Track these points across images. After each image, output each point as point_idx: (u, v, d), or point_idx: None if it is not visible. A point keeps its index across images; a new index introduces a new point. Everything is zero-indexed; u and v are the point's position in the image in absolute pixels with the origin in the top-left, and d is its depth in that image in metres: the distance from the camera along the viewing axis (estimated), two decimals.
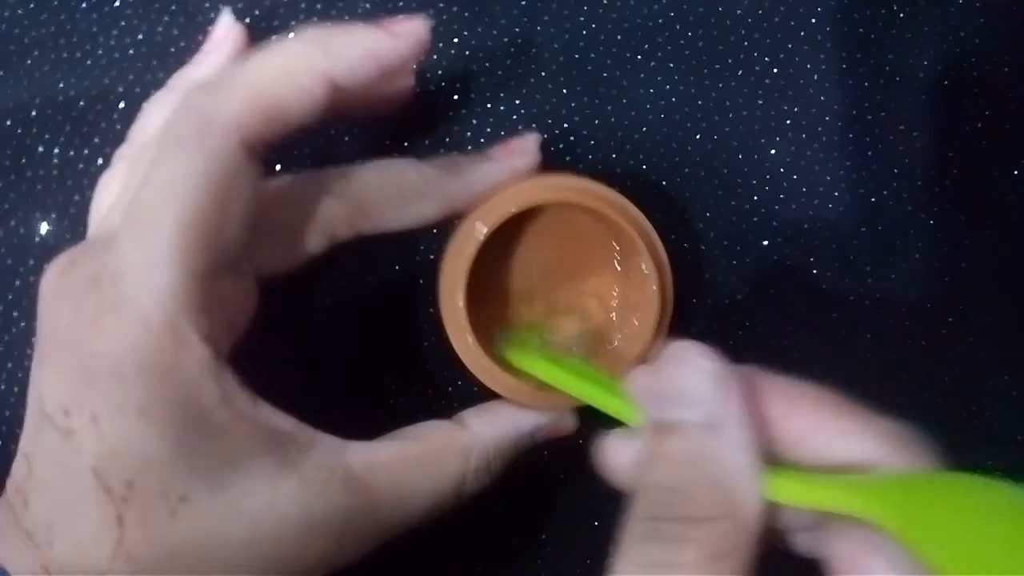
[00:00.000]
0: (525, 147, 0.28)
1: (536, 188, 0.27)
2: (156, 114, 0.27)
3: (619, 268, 0.29)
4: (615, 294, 0.29)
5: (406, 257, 0.31)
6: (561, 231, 0.29)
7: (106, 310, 0.21)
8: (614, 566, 0.19)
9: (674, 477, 0.20)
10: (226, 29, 0.29)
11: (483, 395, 0.28)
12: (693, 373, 0.21)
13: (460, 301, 0.26)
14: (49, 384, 0.22)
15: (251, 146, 0.22)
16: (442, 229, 0.28)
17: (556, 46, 0.32)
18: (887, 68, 0.33)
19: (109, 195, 0.26)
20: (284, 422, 0.23)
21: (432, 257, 0.29)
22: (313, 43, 0.23)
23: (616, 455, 0.23)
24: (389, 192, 0.26)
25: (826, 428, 0.20)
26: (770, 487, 0.20)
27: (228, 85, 0.23)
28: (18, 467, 0.22)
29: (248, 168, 0.22)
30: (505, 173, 0.27)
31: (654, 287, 0.27)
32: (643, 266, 0.27)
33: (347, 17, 0.32)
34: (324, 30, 0.24)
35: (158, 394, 0.21)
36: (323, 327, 0.31)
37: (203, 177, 0.21)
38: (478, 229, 0.26)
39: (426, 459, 0.25)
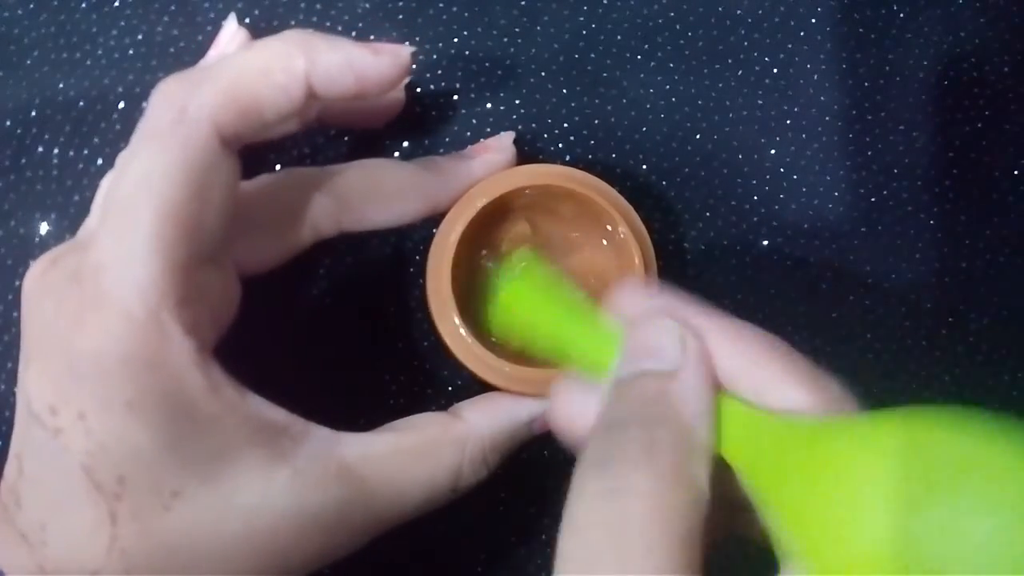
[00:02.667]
0: (501, 144, 0.29)
1: (506, 177, 0.28)
2: None
3: (604, 243, 0.29)
4: (600, 268, 0.30)
5: (402, 256, 0.31)
6: (542, 217, 0.29)
7: (87, 306, 0.21)
8: (567, 501, 0.19)
9: (631, 413, 0.20)
10: (231, 34, 0.30)
11: (479, 390, 0.28)
12: (657, 331, 0.22)
13: (446, 290, 0.27)
14: (34, 383, 0.22)
15: (226, 139, 0.22)
16: (439, 227, 0.29)
17: (556, 46, 0.32)
18: (887, 68, 0.33)
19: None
20: (275, 413, 0.23)
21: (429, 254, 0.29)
22: (294, 44, 0.23)
23: (571, 405, 0.23)
24: (370, 189, 0.26)
25: (762, 372, 0.21)
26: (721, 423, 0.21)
27: (204, 77, 0.22)
28: (10, 467, 0.22)
29: (224, 159, 0.22)
30: (482, 169, 0.28)
31: (635, 257, 0.27)
32: (620, 232, 0.27)
33: (346, 17, 0.32)
34: (307, 33, 0.24)
35: (144, 387, 0.21)
36: (320, 326, 0.31)
37: (178, 167, 0.21)
38: (455, 222, 0.27)
39: (421, 450, 0.24)
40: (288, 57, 0.23)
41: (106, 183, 0.27)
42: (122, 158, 0.27)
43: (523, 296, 0.26)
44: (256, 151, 0.25)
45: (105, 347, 0.21)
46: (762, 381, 0.21)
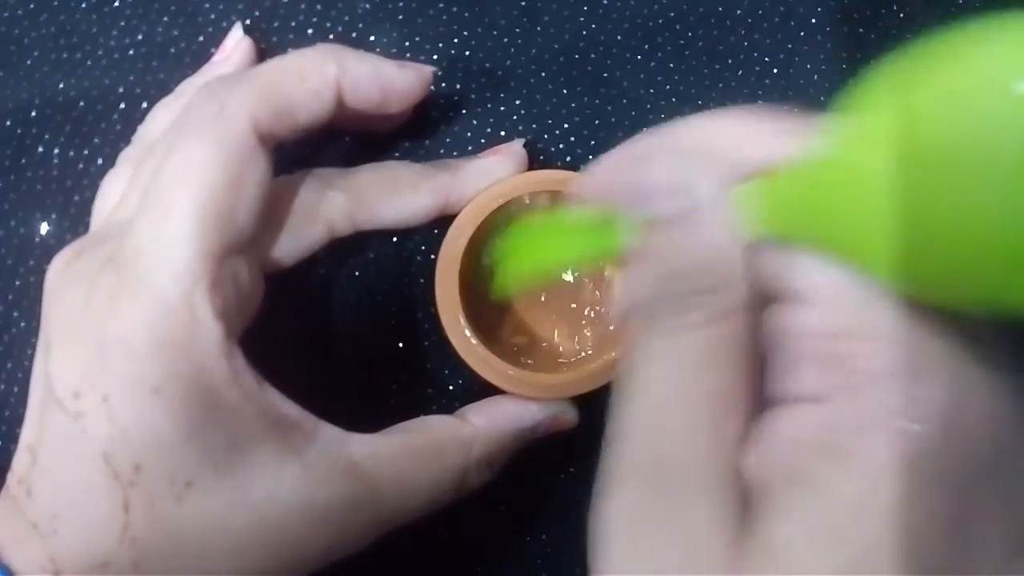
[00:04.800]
0: (511, 149, 0.30)
1: (519, 181, 0.28)
2: (163, 118, 0.28)
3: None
4: (606, 277, 0.30)
5: (407, 258, 0.31)
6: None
7: (122, 290, 0.22)
8: (625, 343, 0.19)
9: (666, 267, 0.19)
10: (236, 41, 0.30)
11: (483, 392, 0.28)
12: (659, 164, 0.20)
13: (454, 293, 0.27)
14: (59, 367, 0.22)
15: (261, 136, 0.23)
16: (442, 230, 0.29)
17: (556, 46, 0.32)
18: None
19: (113, 194, 0.26)
20: (289, 408, 0.23)
21: (432, 257, 0.29)
22: (327, 53, 0.25)
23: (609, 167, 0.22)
24: (384, 186, 0.27)
25: (745, 141, 0.19)
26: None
27: (244, 78, 0.24)
28: (20, 460, 0.22)
29: (259, 155, 0.23)
30: (493, 168, 0.28)
31: None
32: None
33: (347, 17, 0.32)
34: (338, 46, 0.25)
35: (171, 372, 0.21)
36: (321, 325, 0.31)
37: (217, 158, 0.22)
38: (465, 222, 0.28)
39: (428, 452, 0.25)
40: (321, 64, 0.25)
41: (107, 183, 0.27)
42: (124, 157, 0.28)
43: (521, 239, 0.27)
44: None
45: (137, 330, 0.21)
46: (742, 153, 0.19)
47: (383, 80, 0.25)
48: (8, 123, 0.31)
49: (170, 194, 0.22)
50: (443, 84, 0.32)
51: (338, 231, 0.27)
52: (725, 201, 0.19)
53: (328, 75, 0.24)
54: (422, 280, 0.31)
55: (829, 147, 0.17)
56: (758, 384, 0.19)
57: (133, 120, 0.31)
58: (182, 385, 0.21)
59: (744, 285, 0.19)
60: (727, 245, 0.19)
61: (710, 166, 0.19)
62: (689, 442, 0.18)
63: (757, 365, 0.19)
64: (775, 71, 0.32)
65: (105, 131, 0.31)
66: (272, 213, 0.25)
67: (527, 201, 0.28)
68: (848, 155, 0.17)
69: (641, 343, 0.19)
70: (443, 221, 0.28)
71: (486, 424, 0.26)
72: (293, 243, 0.26)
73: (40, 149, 0.31)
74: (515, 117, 0.32)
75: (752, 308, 0.19)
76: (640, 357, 0.19)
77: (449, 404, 0.30)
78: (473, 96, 0.32)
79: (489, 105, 0.32)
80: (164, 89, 0.31)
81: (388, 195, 0.27)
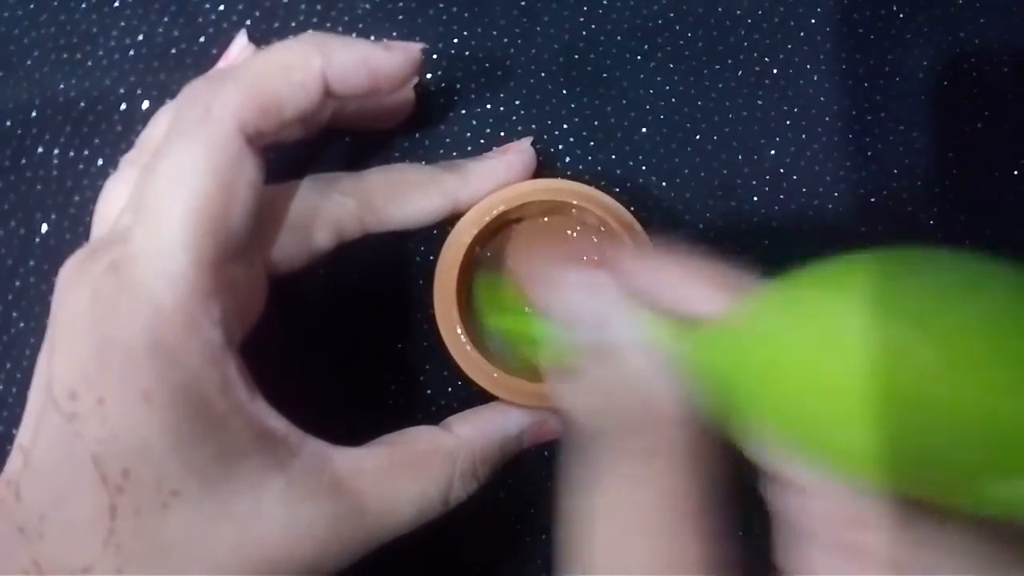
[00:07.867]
0: (520, 147, 0.29)
1: (523, 189, 0.28)
2: (165, 122, 0.28)
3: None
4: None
5: (405, 259, 0.31)
6: (554, 234, 0.30)
7: (122, 294, 0.22)
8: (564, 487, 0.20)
9: (596, 395, 0.21)
10: (240, 49, 0.30)
11: (480, 396, 0.28)
12: (578, 294, 0.22)
13: (451, 296, 0.27)
14: (60, 367, 0.22)
15: (249, 136, 0.23)
16: (442, 231, 0.29)
17: (556, 46, 0.32)
18: (887, 68, 0.33)
19: (118, 199, 0.26)
20: (276, 422, 0.23)
21: (432, 258, 0.29)
22: (310, 44, 0.24)
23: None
24: (391, 188, 0.27)
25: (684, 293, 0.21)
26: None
27: (227, 77, 0.23)
28: (11, 462, 0.22)
29: (248, 156, 0.23)
30: (501, 168, 0.28)
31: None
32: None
33: (347, 18, 0.32)
34: (322, 35, 0.25)
35: (162, 378, 0.21)
36: (319, 325, 0.31)
37: (204, 162, 0.22)
38: (466, 226, 0.28)
39: (412, 465, 0.25)
40: (305, 56, 0.24)
41: (110, 187, 0.27)
42: (127, 161, 0.28)
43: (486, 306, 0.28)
44: None
45: (133, 334, 0.21)
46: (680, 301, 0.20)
47: (370, 65, 0.25)
48: (8, 123, 0.31)
49: (162, 202, 0.22)
50: (443, 84, 0.32)
51: (347, 235, 0.26)
52: (645, 344, 0.20)
53: (313, 67, 0.24)
54: (421, 281, 0.31)
55: (750, 313, 0.18)
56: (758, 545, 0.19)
57: (134, 121, 0.31)
58: (172, 391, 0.21)
59: (678, 431, 0.19)
60: (651, 386, 0.20)
61: (627, 308, 0.21)
62: None
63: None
64: (775, 71, 0.32)
65: (105, 132, 0.31)
66: (279, 218, 0.25)
67: (536, 205, 0.28)
68: (755, 326, 0.18)
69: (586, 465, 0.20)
70: (443, 221, 0.28)
71: (470, 434, 0.26)
72: (301, 248, 0.26)
73: (40, 149, 0.31)
74: (515, 117, 0.32)
75: (698, 457, 0.19)
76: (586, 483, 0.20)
77: (448, 406, 0.30)
78: (473, 96, 0.32)
79: (489, 105, 0.32)
80: (165, 90, 0.31)
81: (397, 198, 0.27)
